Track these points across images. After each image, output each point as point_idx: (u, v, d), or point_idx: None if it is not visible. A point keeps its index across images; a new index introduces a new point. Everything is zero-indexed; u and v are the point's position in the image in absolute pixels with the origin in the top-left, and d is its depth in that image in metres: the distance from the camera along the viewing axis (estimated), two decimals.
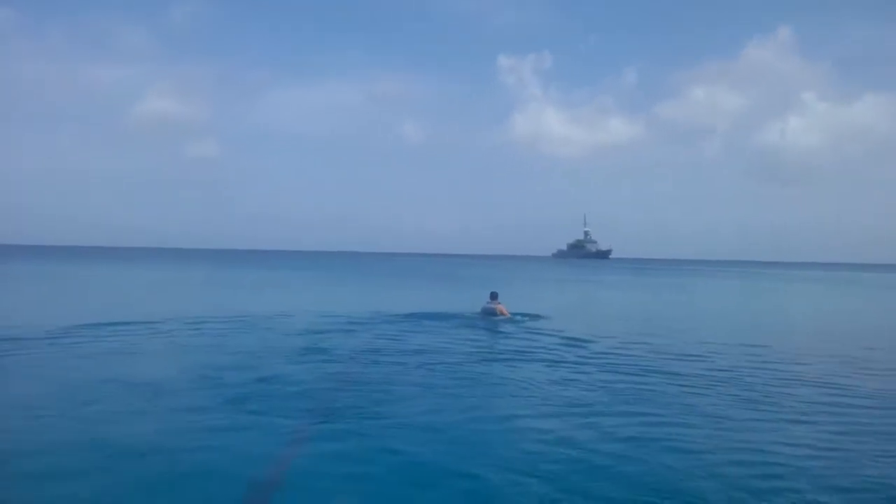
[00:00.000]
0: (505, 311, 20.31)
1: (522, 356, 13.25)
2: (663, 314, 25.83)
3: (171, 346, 14.09)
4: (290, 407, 8.56)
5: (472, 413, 8.48)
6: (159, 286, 38.67)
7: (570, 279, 63.71)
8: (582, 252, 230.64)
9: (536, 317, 20.86)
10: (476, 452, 6.85)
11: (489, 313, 20.37)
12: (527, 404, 9.08)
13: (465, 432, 7.62)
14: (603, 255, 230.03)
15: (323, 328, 17.14)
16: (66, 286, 37.83)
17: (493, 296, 20.95)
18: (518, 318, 20.23)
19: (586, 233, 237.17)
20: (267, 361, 11.96)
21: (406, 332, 16.86)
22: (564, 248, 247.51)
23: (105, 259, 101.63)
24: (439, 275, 66.32)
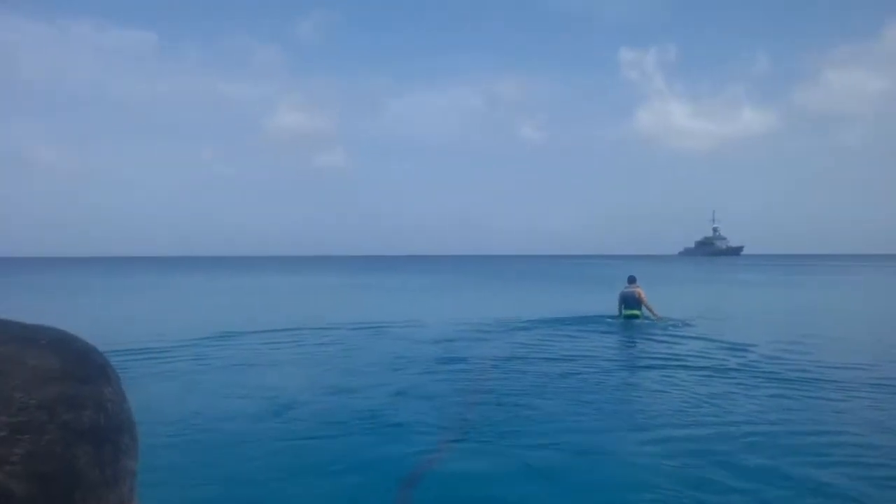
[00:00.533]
0: (643, 295, 19.68)
1: (674, 364, 12.26)
2: (819, 317, 23.66)
3: (304, 355, 14.22)
4: (424, 422, 8.19)
5: (625, 433, 7.75)
6: (292, 294, 40.11)
7: (703, 278, 60.56)
8: (711, 249, 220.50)
9: (679, 321, 19.61)
10: (631, 481, 6.17)
11: (628, 298, 19.70)
12: (689, 421, 8.25)
13: (619, 455, 6.93)
14: (734, 251, 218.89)
15: (455, 335, 16.79)
16: (209, 295, 40.05)
17: (631, 280, 20.10)
18: (665, 321, 19.28)
19: (715, 229, 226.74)
20: (400, 372, 11.74)
21: (543, 338, 16.19)
22: (692, 245, 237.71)
23: (242, 268, 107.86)
24: (567, 276, 65.05)
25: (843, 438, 7.47)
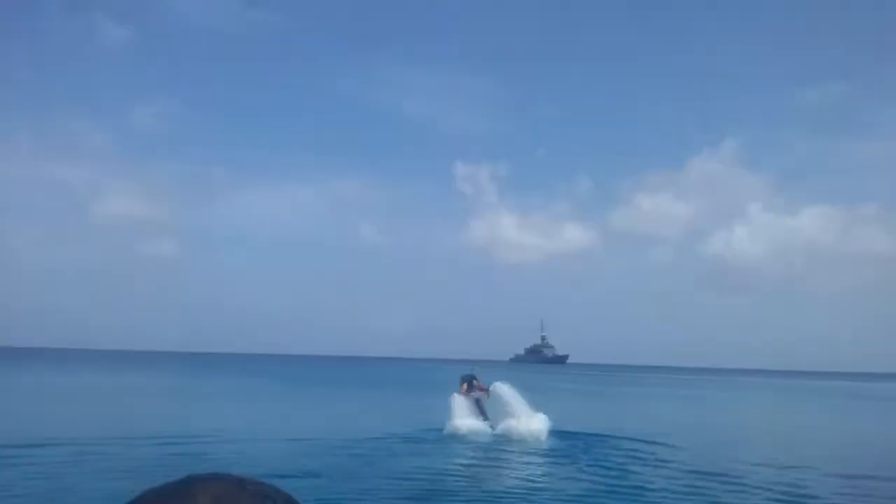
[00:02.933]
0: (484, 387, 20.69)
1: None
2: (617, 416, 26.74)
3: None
4: None
5: None
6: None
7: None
8: (539, 357, 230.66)
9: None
10: None
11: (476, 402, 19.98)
12: None
13: None
14: (560, 360, 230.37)
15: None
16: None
17: (468, 378, 20.33)
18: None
19: (543, 337, 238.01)
20: None
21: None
22: (522, 352, 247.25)
23: (48, 361, 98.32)
24: (413, 381, 64.95)
25: None
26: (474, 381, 21.27)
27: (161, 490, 0.77)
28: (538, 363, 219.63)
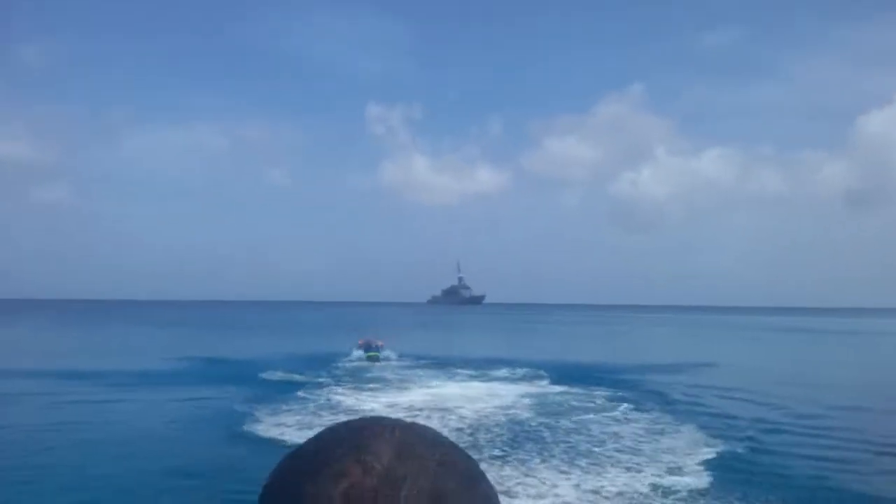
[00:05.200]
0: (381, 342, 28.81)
1: None
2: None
3: None
4: None
5: None
6: None
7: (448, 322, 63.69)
8: (456, 298, 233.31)
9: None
10: None
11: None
12: None
13: None
14: (477, 300, 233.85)
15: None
16: None
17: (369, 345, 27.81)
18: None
19: (460, 279, 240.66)
20: None
21: None
22: (439, 293, 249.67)
23: None
24: (326, 325, 64.07)
25: None
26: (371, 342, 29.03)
27: (348, 425, 0.81)
28: (455, 304, 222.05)
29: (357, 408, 16.04)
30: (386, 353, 28.75)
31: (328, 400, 17.24)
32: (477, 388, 19.86)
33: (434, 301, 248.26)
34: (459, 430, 13.20)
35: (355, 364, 26.48)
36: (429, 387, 20.03)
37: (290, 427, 13.54)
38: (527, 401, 17.09)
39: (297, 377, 21.27)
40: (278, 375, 21.59)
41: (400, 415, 11.39)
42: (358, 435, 0.78)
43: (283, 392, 18.41)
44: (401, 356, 28.99)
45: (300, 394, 18.09)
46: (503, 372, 23.79)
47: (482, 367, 25.02)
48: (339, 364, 26.21)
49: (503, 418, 14.54)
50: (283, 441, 11.98)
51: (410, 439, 0.78)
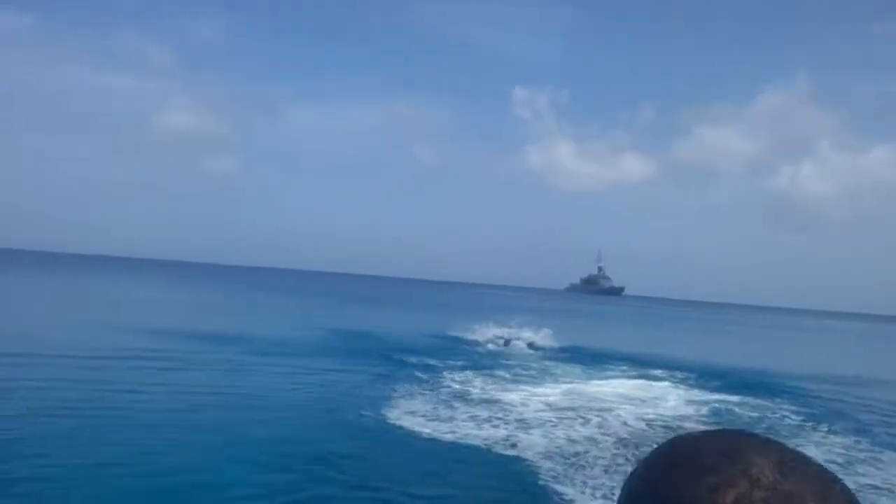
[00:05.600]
0: None
1: None
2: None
3: None
4: None
5: None
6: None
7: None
8: (595, 287, 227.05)
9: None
10: None
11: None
12: None
13: None
14: (616, 291, 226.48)
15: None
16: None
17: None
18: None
19: (600, 268, 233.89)
20: None
21: None
22: (577, 282, 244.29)
23: (116, 270, 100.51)
24: (463, 306, 64.25)
25: None
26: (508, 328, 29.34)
27: (717, 435, 0.80)
28: (594, 294, 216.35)
29: (496, 399, 14.75)
30: (523, 341, 27.94)
31: (462, 387, 16.17)
32: (631, 387, 17.81)
33: (572, 289, 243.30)
34: (623, 440, 11.36)
35: (490, 349, 26.39)
36: (573, 381, 18.35)
37: (423, 417, 12.48)
38: (699, 409, 14.88)
39: (430, 361, 20.33)
40: (413, 357, 20.80)
41: (549, 413, 9.76)
42: (734, 446, 0.76)
43: (416, 374, 18.06)
44: (539, 346, 27.48)
45: (434, 378, 17.51)
46: (658, 372, 21.47)
47: (633, 363, 23.08)
48: (475, 349, 25.82)
49: (678, 427, 12.50)
50: (419, 433, 10.95)
51: (789, 457, 0.75)
